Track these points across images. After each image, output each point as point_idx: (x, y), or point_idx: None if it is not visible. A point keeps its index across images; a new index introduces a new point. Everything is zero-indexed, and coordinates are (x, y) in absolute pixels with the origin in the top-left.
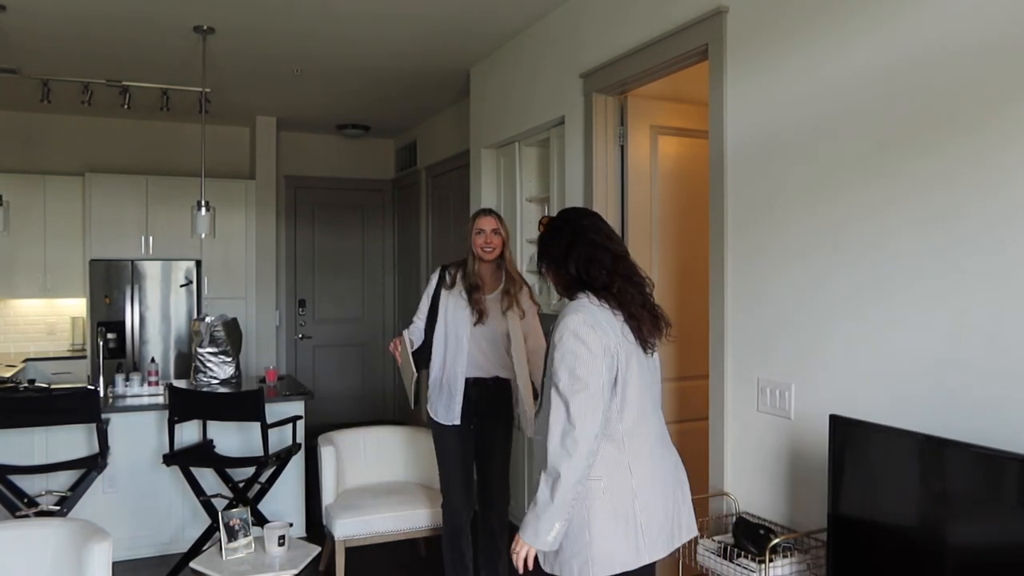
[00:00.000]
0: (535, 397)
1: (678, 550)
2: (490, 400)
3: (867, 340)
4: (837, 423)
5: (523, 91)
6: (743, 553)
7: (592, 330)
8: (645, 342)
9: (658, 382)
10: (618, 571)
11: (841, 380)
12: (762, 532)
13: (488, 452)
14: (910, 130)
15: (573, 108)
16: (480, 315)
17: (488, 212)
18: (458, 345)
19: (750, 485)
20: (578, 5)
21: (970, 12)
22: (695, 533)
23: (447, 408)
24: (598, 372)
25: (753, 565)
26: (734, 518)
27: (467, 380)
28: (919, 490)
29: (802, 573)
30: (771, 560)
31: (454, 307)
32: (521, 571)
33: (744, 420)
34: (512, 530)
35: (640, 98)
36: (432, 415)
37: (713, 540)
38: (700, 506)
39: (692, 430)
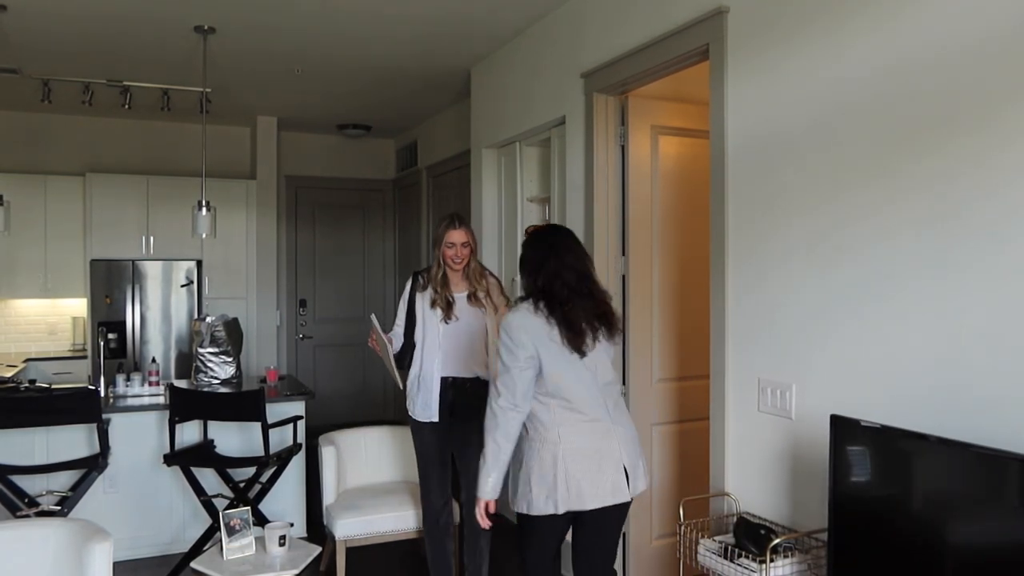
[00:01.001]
0: None
1: (678, 549)
2: (467, 401)
3: (868, 340)
4: (838, 423)
5: (524, 91)
6: (744, 553)
7: (519, 330)
8: (579, 348)
9: (606, 376)
10: (549, 512)
11: (842, 380)
12: (763, 532)
13: (467, 453)
14: (910, 130)
15: (574, 108)
16: (448, 310)
17: (458, 225)
18: (433, 343)
19: (751, 485)
20: (579, 5)
21: (970, 12)
22: (624, 499)
23: (424, 405)
24: (517, 360)
25: (754, 565)
26: (735, 518)
27: (445, 379)
28: (920, 490)
29: (803, 573)
30: (772, 560)
31: (428, 308)
32: (482, 524)
33: (745, 420)
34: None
35: (641, 98)
36: (410, 412)
37: (714, 540)
38: (701, 506)
39: (693, 430)
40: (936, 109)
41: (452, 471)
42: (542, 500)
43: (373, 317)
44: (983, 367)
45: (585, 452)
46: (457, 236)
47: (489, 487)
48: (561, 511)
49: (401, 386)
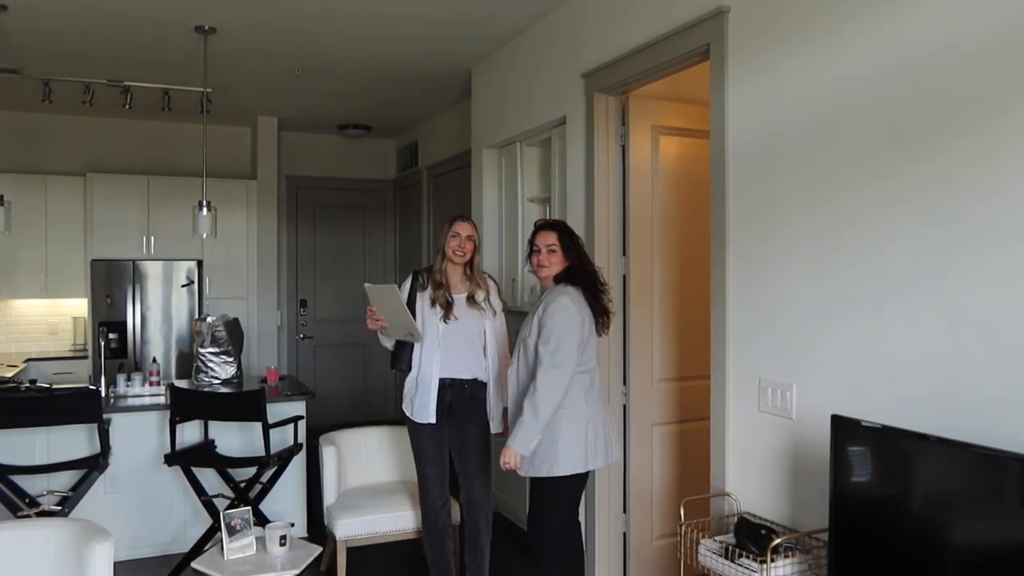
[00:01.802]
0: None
1: (679, 549)
2: (465, 403)
3: (868, 340)
4: (838, 423)
5: (524, 91)
6: (745, 553)
7: (577, 310)
8: (600, 326)
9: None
10: (570, 472)
11: (842, 380)
12: (763, 532)
13: (466, 455)
14: (911, 130)
15: (574, 108)
16: (447, 310)
17: (466, 218)
18: (432, 343)
19: (751, 485)
20: (579, 5)
21: (971, 12)
22: (617, 459)
23: (422, 406)
24: (573, 337)
25: (755, 565)
26: (735, 518)
27: (443, 381)
28: (920, 490)
29: (803, 573)
30: (772, 560)
31: (427, 307)
32: (506, 469)
33: (745, 420)
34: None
35: (641, 98)
36: (407, 413)
37: (715, 540)
38: (702, 506)
39: (694, 430)
40: (936, 109)
41: (450, 472)
42: (571, 459)
43: (368, 286)
44: (984, 367)
45: (600, 418)
46: (463, 228)
47: (533, 445)
48: (582, 469)
49: (420, 334)
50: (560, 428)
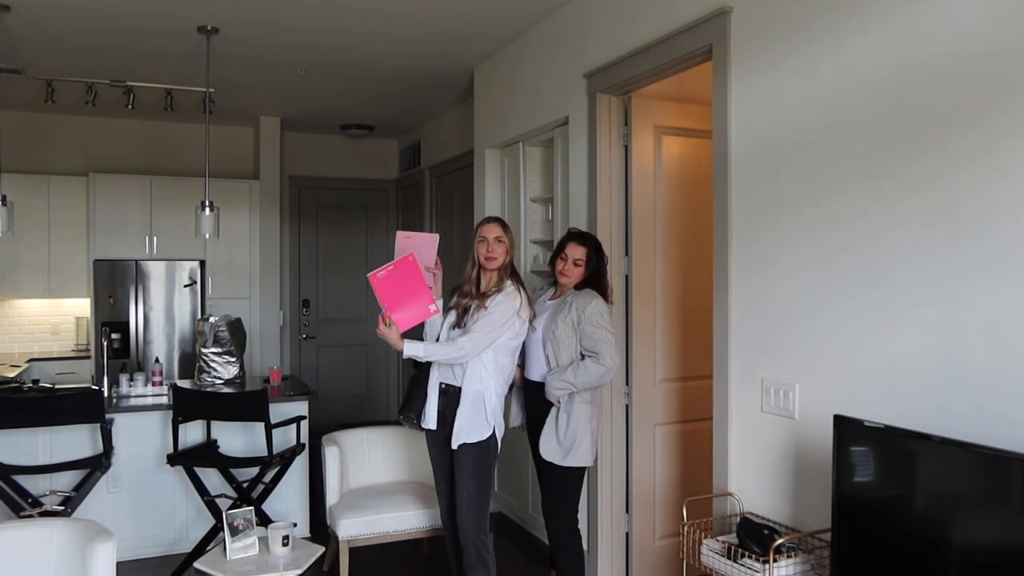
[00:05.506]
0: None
1: (682, 549)
2: (455, 414)
3: (871, 340)
4: (841, 423)
5: (527, 91)
6: (747, 553)
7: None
8: None
9: None
10: (591, 463)
11: (845, 380)
12: (766, 532)
13: (456, 474)
14: (914, 130)
15: (577, 108)
16: (461, 316)
17: (493, 219)
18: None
19: (754, 485)
20: (582, 5)
21: (974, 12)
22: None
23: (424, 409)
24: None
25: (757, 565)
26: (738, 518)
27: (440, 385)
28: (923, 490)
29: (806, 573)
30: (775, 560)
31: (443, 305)
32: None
33: (748, 420)
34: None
35: (644, 98)
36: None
37: (717, 540)
38: (704, 506)
39: (696, 430)
40: (941, 109)
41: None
42: (593, 452)
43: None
44: (986, 367)
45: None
46: (490, 230)
47: (565, 397)
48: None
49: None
50: (593, 422)
